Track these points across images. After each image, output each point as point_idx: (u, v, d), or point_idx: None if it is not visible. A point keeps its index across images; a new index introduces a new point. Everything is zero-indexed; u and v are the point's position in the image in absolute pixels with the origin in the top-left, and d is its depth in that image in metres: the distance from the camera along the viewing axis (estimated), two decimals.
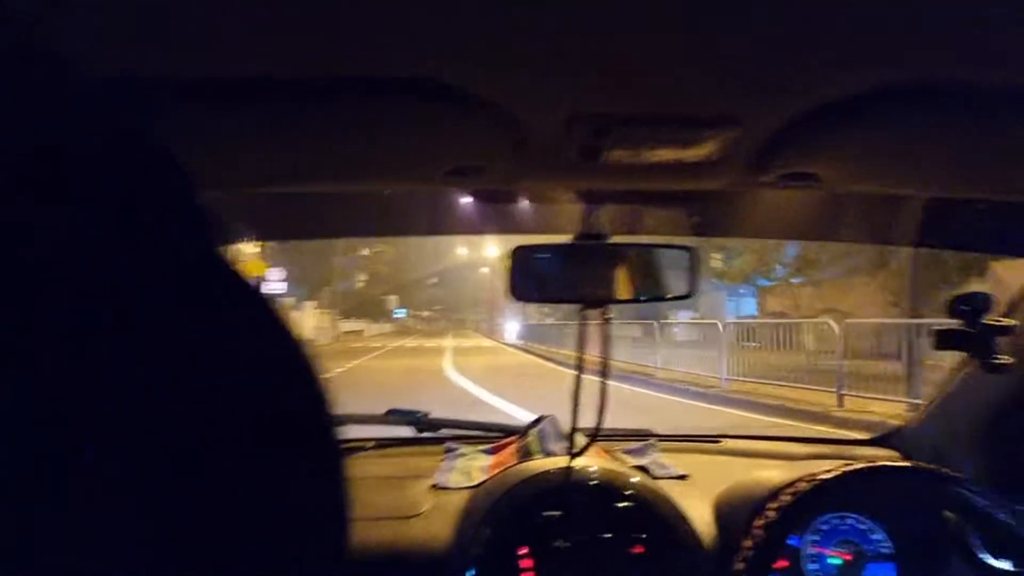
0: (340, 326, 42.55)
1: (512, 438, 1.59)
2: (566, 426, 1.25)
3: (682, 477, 1.49)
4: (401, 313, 74.63)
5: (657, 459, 1.56)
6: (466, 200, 1.17)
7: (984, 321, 1.19)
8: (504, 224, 1.31)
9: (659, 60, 0.65)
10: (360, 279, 59.61)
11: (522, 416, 4.41)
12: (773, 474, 1.31)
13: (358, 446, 1.63)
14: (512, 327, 37.97)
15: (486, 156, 0.89)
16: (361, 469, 1.51)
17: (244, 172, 0.93)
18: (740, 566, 1.04)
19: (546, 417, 1.58)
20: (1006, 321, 1.20)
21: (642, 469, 1.46)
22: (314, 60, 0.66)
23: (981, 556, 1.27)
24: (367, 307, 58.84)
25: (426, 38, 0.61)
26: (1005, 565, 1.24)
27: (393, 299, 70.72)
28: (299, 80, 0.69)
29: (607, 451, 1.56)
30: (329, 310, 39.90)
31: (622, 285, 1.14)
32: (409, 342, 39.30)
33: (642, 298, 1.17)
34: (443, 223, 1.31)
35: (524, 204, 1.23)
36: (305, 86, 0.70)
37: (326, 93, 0.71)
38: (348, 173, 0.95)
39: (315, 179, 0.97)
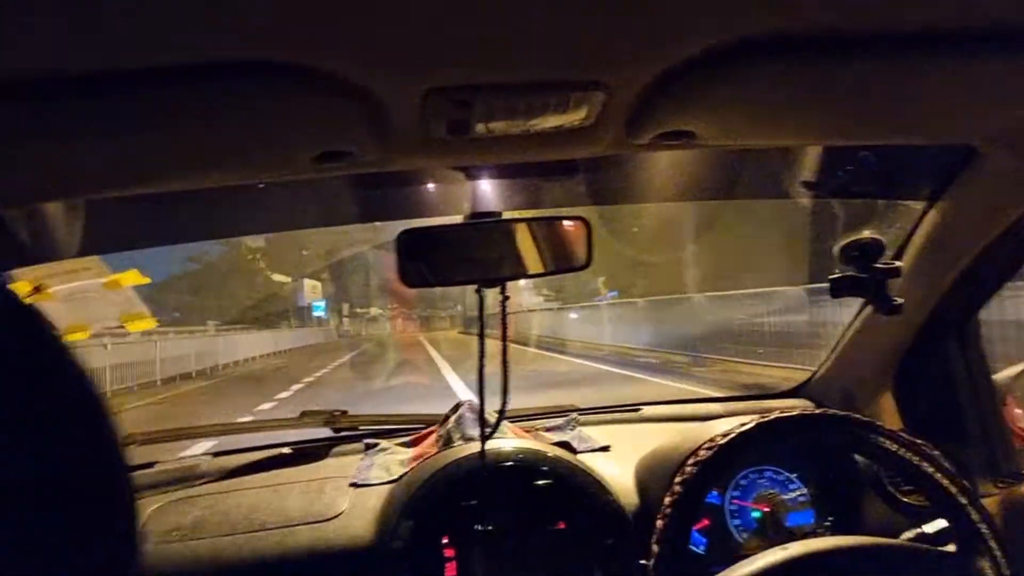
0: None
1: (432, 428, 1.56)
2: (486, 409, 1.23)
3: (604, 449, 1.49)
4: (320, 310, 43.28)
5: (579, 434, 1.55)
6: (348, 188, 1.12)
7: (875, 266, 1.22)
8: (393, 210, 1.26)
9: (512, 25, 0.62)
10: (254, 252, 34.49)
11: None
12: (690, 435, 1.31)
13: (274, 452, 1.57)
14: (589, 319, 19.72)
15: (350, 138, 0.84)
16: (277, 475, 1.45)
17: (100, 173, 0.86)
18: (660, 527, 1.04)
19: (464, 403, 1.55)
20: (895, 264, 1.23)
21: (563, 445, 1.45)
22: (144, 46, 0.60)
23: (893, 496, 1.31)
24: (263, 300, 32.59)
25: (261, 15, 0.56)
26: (916, 502, 1.29)
27: (310, 286, 41.15)
28: (127, 69, 0.63)
29: (528, 430, 1.55)
30: None
31: (517, 261, 1.12)
32: None
33: (538, 272, 1.15)
34: (325, 214, 1.25)
35: (412, 188, 1.19)
36: (138, 74, 0.64)
37: (164, 81, 0.65)
38: (205, 167, 0.89)
39: (170, 177, 0.90)
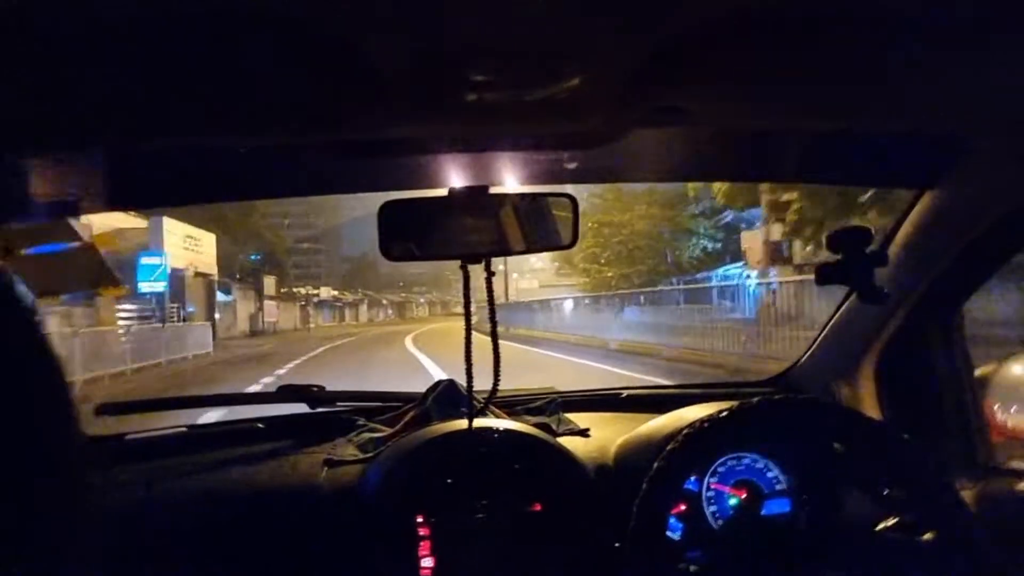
0: None
1: (410, 406, 1.54)
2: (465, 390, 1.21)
3: (584, 432, 1.48)
4: (150, 276, 16.79)
5: (559, 417, 1.54)
6: (333, 156, 1.09)
7: (862, 254, 1.21)
8: (377, 181, 1.24)
9: None
10: None
11: None
12: (669, 421, 1.31)
13: (249, 426, 1.55)
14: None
15: (338, 102, 0.82)
16: (250, 450, 1.43)
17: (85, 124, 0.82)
18: (637, 512, 1.03)
19: (444, 382, 1.54)
20: (882, 252, 1.22)
21: (543, 427, 1.44)
22: None
23: (872, 484, 1.31)
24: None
25: None
26: (896, 492, 1.29)
27: (181, 236, 21.54)
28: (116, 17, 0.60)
29: (508, 412, 1.54)
30: None
31: (502, 237, 1.10)
32: None
33: (523, 249, 1.14)
34: (306, 182, 1.22)
35: (398, 158, 1.16)
36: (127, 23, 0.61)
37: (150, 31, 0.62)
38: (188, 125, 0.86)
39: (149, 133, 0.86)
